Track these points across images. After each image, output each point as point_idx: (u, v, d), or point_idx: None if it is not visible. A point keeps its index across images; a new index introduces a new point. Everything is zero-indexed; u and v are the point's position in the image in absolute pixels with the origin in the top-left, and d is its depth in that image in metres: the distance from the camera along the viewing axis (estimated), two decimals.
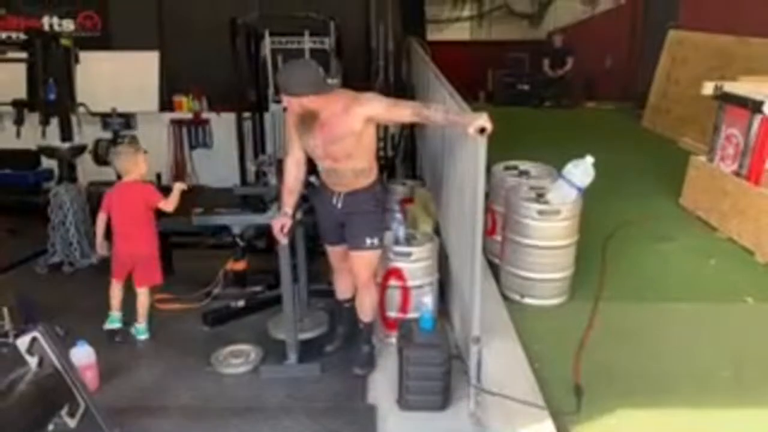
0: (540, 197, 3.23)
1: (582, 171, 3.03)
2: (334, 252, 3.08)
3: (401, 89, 6.03)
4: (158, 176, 6.53)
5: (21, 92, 4.87)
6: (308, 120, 2.66)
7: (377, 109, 2.64)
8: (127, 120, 6.19)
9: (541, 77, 9.75)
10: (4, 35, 5.98)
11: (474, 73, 12.28)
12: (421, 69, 5.16)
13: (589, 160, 3.02)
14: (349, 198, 2.83)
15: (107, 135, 5.49)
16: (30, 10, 6.39)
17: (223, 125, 6.66)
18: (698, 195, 4.41)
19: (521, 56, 11.70)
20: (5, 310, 3.16)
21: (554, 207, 3.10)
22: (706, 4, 7.12)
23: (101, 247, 3.44)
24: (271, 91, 5.59)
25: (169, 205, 3.34)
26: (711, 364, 2.67)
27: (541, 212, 3.09)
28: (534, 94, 9.67)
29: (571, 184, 3.06)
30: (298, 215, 3.03)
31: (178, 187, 3.42)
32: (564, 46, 9.64)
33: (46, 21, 6.43)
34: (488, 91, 11.73)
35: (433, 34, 11.11)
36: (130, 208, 3.34)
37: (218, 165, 6.51)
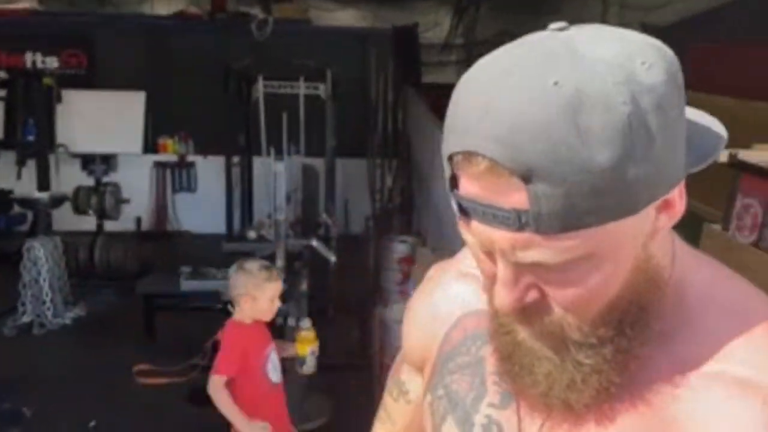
0: None
1: None
2: None
3: (397, 142, 5.88)
4: (138, 220, 6.23)
5: None
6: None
7: None
8: (109, 162, 5.93)
9: None
10: None
11: None
12: (420, 120, 5.00)
13: None
14: None
15: (87, 179, 5.21)
16: (13, 47, 6.11)
17: (209, 169, 6.42)
18: None
19: None
20: None
21: None
22: (709, 64, 7.09)
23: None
24: (263, 137, 5.32)
25: None
26: None
27: None
28: None
29: None
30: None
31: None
32: None
33: (29, 57, 6.16)
34: None
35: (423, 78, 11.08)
36: None
37: (202, 210, 6.28)
